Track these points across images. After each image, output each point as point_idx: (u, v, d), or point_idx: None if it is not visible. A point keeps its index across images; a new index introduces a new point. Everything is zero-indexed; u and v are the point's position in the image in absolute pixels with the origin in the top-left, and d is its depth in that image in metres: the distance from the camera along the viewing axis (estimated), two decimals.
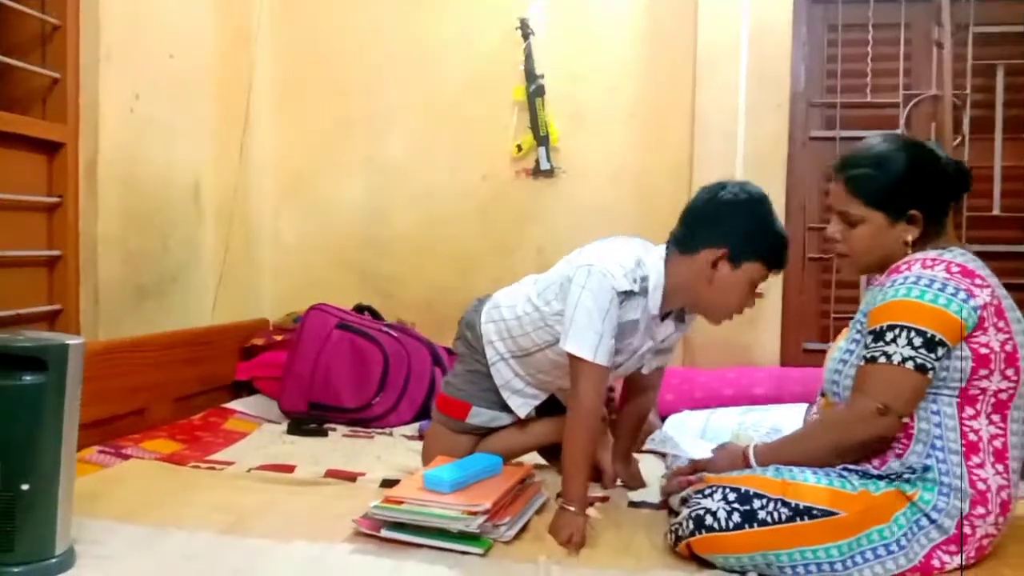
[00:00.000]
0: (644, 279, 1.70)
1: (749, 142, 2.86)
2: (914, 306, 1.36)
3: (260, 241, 3.28)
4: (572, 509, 1.58)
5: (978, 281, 1.39)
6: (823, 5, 2.96)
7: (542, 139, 3.07)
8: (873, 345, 1.39)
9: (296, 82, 3.29)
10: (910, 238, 1.48)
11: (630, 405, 2.02)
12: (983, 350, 1.38)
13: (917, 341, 1.35)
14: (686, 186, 2.95)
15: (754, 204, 1.67)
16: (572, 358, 1.65)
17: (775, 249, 1.68)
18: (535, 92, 3.05)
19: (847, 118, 2.93)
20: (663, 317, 1.79)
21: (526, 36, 3.06)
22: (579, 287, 1.66)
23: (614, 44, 3.08)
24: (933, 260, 1.41)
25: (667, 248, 1.75)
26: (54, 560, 1.36)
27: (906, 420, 1.38)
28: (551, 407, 1.98)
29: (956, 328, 1.36)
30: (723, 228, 1.66)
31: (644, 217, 2.99)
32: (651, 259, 1.73)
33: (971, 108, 2.85)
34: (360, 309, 2.96)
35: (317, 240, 3.32)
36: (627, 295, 1.68)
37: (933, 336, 1.35)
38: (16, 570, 1.33)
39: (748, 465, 1.53)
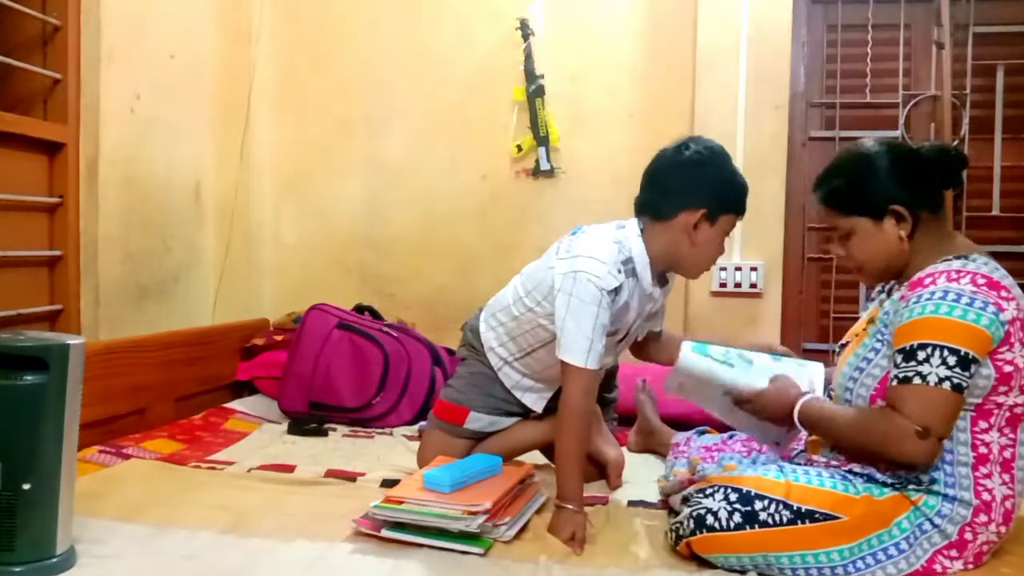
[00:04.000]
0: (629, 261, 1.73)
1: (749, 142, 2.86)
2: (945, 323, 1.31)
3: (260, 241, 3.29)
4: (570, 507, 1.59)
5: (1004, 294, 1.34)
6: (823, 5, 2.96)
7: (542, 139, 3.07)
8: (905, 365, 1.33)
9: (296, 82, 3.30)
10: (903, 234, 1.44)
11: (663, 355, 2.02)
12: (1007, 367, 1.34)
13: (951, 360, 1.30)
14: None
15: (718, 159, 1.71)
16: (563, 363, 1.67)
17: (742, 198, 1.74)
18: (535, 92, 3.06)
19: (847, 118, 2.93)
20: None
21: (526, 36, 3.06)
22: (566, 295, 1.68)
23: (614, 44, 3.08)
24: (958, 272, 1.36)
25: (639, 219, 1.77)
26: (55, 559, 1.37)
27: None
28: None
29: (987, 342, 1.32)
30: (697, 190, 1.70)
31: None
32: (630, 239, 1.75)
33: (971, 108, 2.85)
34: (360, 309, 2.96)
35: (317, 240, 3.32)
36: (617, 288, 1.70)
37: (967, 354, 1.30)
38: (17, 569, 1.33)
39: (791, 415, 1.48)
